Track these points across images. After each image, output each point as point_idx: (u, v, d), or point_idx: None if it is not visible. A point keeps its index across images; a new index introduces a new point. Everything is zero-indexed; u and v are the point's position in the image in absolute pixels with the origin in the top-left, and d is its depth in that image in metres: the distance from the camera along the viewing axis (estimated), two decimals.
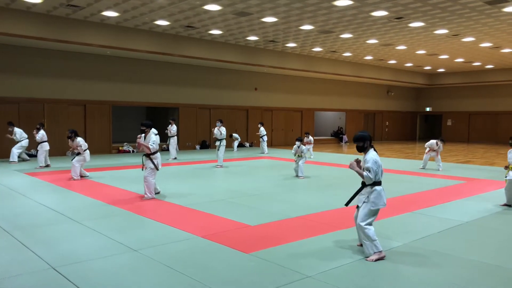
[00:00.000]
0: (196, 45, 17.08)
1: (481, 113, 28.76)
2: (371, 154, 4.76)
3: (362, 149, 4.85)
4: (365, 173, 4.67)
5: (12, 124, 13.55)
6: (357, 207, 4.89)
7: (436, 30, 15.20)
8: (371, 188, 4.73)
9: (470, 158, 16.78)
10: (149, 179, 7.86)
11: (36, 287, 3.85)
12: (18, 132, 13.47)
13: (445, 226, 6.13)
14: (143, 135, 8.00)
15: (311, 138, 16.36)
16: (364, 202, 4.75)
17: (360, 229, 4.70)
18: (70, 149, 10.32)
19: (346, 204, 5.01)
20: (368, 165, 4.68)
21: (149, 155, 7.90)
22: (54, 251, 4.83)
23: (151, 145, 7.81)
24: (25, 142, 13.59)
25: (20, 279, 4.02)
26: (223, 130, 13.17)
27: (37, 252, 4.76)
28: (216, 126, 13.29)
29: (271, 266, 4.40)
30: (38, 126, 12.67)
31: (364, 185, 4.81)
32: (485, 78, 26.85)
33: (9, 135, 13.46)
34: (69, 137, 10.33)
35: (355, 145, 4.94)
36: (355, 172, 4.80)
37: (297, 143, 10.83)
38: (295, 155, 10.89)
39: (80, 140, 10.23)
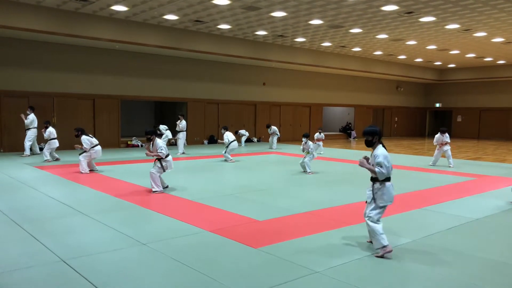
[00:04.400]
0: (204, 40, 17.06)
1: (492, 109, 28.40)
2: (381, 150, 4.69)
3: (371, 144, 4.77)
4: (377, 169, 4.58)
5: (32, 109, 13.56)
6: (366, 202, 4.87)
7: (447, 25, 15.01)
8: (380, 184, 4.67)
9: (480, 155, 16.60)
10: (153, 172, 7.94)
11: (46, 280, 3.89)
12: (30, 119, 13.41)
13: (455, 223, 6.07)
14: (150, 143, 8.12)
15: (322, 135, 16.35)
16: (372, 198, 4.71)
17: (370, 226, 4.66)
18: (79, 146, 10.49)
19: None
20: (380, 159, 4.58)
21: (160, 159, 7.99)
22: (63, 243, 4.87)
23: (160, 152, 7.89)
24: (32, 132, 13.50)
25: (30, 271, 4.06)
26: (229, 135, 13.17)
27: (46, 245, 4.80)
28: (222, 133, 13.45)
29: (279, 261, 4.40)
30: (45, 124, 12.68)
31: (374, 180, 4.73)
32: (497, 73, 26.49)
33: (23, 116, 13.50)
34: (76, 136, 10.53)
35: (364, 140, 4.84)
36: (366, 169, 4.71)
37: (304, 139, 10.80)
38: (303, 151, 10.88)
39: (83, 138, 10.32)
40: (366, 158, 4.77)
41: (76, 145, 10.78)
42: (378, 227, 4.61)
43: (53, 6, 13.19)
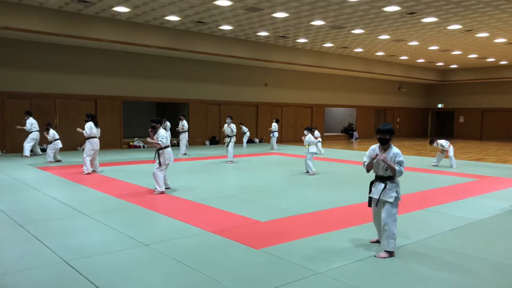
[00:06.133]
0: (206, 41, 17.07)
1: (494, 109, 28.35)
2: (397, 149, 4.73)
3: (386, 142, 4.71)
4: (397, 167, 4.60)
5: (29, 114, 13.47)
6: (370, 202, 4.85)
7: (449, 26, 14.99)
8: (394, 182, 4.70)
9: (482, 156, 16.56)
10: (157, 173, 7.94)
11: (48, 281, 3.89)
12: (29, 123, 13.31)
13: (458, 224, 6.05)
14: (154, 131, 8.12)
15: (316, 132, 16.08)
16: (395, 196, 4.68)
17: (389, 226, 4.60)
18: (80, 145, 10.53)
19: (376, 205, 4.79)
20: (401, 158, 4.64)
21: (158, 150, 7.99)
22: (66, 244, 4.87)
23: (160, 140, 7.89)
24: (34, 135, 13.42)
25: (33, 272, 4.07)
26: (233, 126, 13.23)
27: (49, 246, 4.80)
28: (226, 123, 13.35)
29: (281, 262, 4.39)
30: (47, 127, 12.65)
31: (384, 179, 4.70)
32: (499, 74, 26.44)
33: (19, 127, 13.45)
34: (86, 121, 10.50)
35: (378, 137, 4.69)
36: (386, 165, 4.59)
37: (305, 132, 10.99)
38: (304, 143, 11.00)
39: (87, 125, 10.30)
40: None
41: (78, 129, 10.76)
42: (396, 230, 4.63)
43: (55, 7, 13.23)
